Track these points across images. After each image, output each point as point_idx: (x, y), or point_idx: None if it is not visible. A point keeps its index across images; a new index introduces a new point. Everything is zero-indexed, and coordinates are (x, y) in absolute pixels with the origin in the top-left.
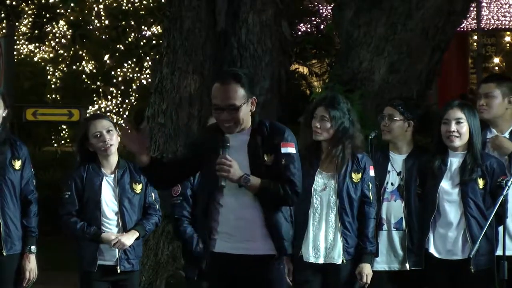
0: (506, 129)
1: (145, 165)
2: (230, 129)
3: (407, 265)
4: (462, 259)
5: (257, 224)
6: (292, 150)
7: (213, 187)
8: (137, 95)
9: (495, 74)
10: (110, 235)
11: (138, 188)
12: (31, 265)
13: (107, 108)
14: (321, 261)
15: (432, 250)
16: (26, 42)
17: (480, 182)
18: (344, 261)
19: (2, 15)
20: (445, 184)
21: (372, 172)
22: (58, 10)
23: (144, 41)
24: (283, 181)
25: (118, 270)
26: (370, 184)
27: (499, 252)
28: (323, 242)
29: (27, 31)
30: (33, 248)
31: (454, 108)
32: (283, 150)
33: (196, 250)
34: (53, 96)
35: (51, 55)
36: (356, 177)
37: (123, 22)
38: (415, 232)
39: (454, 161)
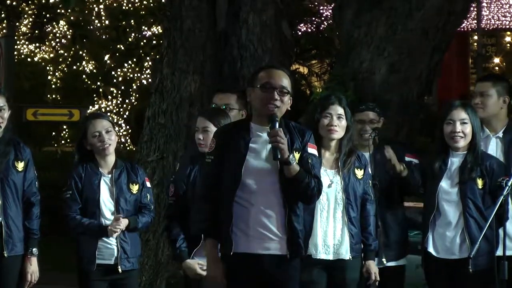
0: (500, 129)
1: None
2: (274, 110)
3: (384, 261)
4: (460, 258)
5: (280, 223)
6: (315, 152)
7: (234, 185)
8: (137, 95)
9: (491, 73)
10: (110, 226)
11: (135, 188)
12: (33, 267)
13: (107, 108)
14: (330, 257)
15: (431, 249)
16: (26, 42)
17: (479, 182)
18: (351, 257)
19: (2, 15)
20: (444, 184)
21: (369, 170)
22: (58, 10)
23: (144, 41)
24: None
25: (119, 270)
26: (370, 182)
27: (499, 252)
28: (332, 239)
29: (27, 31)
30: (34, 250)
31: (458, 109)
32: (310, 150)
33: (177, 250)
34: (53, 96)
35: (51, 55)
36: (359, 173)
37: (123, 22)
38: (390, 228)
39: (455, 161)
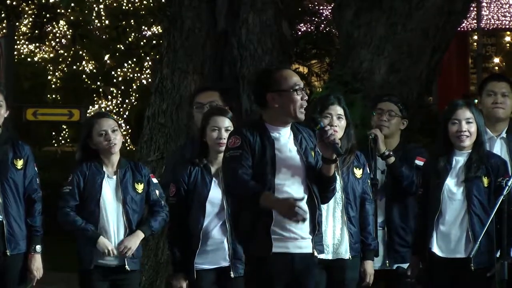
0: (502, 130)
1: None
2: (303, 114)
3: (387, 263)
4: (465, 257)
5: (311, 222)
6: None
7: (270, 188)
8: (137, 95)
9: (499, 73)
10: (106, 242)
11: (140, 187)
12: (37, 264)
13: (107, 108)
14: (329, 257)
15: (435, 249)
16: (26, 42)
17: (485, 180)
18: (350, 257)
19: (2, 15)
20: (450, 182)
21: (367, 170)
22: (58, 10)
23: (144, 41)
24: None
25: (128, 269)
26: (368, 181)
27: (498, 254)
28: (331, 238)
29: (27, 31)
30: (38, 247)
31: (463, 108)
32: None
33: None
34: (53, 96)
35: (51, 55)
36: (358, 172)
37: (123, 22)
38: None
39: (459, 160)
